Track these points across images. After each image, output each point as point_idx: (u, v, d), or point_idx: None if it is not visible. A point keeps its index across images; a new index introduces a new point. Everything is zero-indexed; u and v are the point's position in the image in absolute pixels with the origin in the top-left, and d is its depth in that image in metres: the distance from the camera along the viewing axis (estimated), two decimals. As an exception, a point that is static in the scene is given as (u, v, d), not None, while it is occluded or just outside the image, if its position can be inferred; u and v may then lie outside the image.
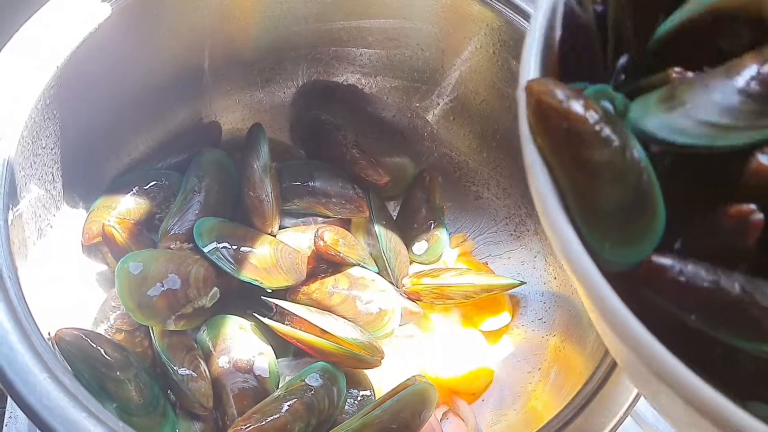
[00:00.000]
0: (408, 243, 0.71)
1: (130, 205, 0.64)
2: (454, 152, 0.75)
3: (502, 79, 0.65)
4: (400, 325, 0.64)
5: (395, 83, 0.73)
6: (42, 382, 0.41)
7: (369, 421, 0.53)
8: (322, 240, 0.62)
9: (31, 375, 0.41)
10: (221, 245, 0.60)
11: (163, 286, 0.57)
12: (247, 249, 0.61)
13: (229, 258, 0.60)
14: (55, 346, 0.51)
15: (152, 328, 0.57)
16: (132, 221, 0.62)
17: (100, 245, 0.62)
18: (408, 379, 0.57)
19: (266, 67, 0.71)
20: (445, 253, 0.72)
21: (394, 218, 0.74)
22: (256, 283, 0.60)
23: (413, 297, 0.66)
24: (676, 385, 0.24)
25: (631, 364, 0.28)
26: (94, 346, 0.53)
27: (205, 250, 0.59)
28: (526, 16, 0.60)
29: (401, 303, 0.65)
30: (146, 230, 0.63)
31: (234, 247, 0.61)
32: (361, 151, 0.71)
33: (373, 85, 0.74)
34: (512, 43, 0.61)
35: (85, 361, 0.51)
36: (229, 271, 0.59)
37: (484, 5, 0.61)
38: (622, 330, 0.25)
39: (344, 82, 0.74)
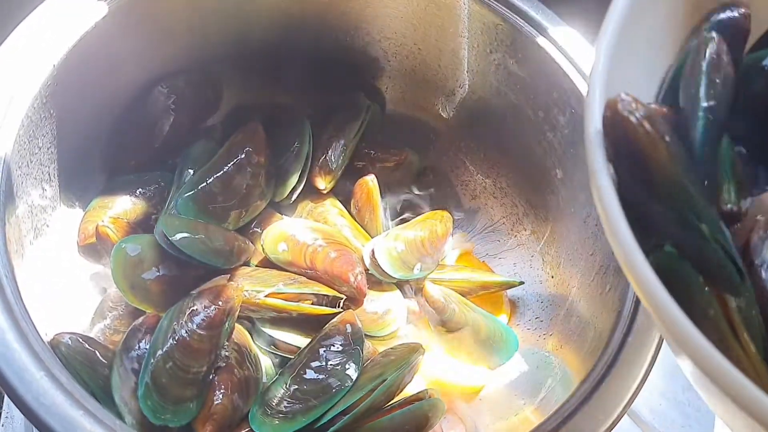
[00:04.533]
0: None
1: (126, 206, 0.63)
2: (450, 150, 0.75)
3: (499, 78, 0.65)
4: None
5: (392, 82, 0.73)
6: (39, 381, 0.41)
7: (374, 427, 0.53)
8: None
9: (28, 373, 0.41)
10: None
11: (158, 271, 0.57)
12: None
13: None
14: (53, 349, 0.50)
15: None
16: (127, 221, 0.62)
17: (96, 245, 0.62)
18: (420, 392, 0.57)
19: (267, 65, 0.71)
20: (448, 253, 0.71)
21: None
22: None
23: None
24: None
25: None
26: (92, 349, 0.53)
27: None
28: (523, 16, 0.60)
29: (406, 303, 0.65)
30: (142, 230, 0.63)
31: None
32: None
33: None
34: (509, 42, 0.61)
35: (84, 364, 0.51)
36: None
37: (482, 5, 0.61)
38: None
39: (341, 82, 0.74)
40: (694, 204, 0.28)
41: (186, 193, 0.61)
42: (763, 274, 0.30)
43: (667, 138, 0.28)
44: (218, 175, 0.63)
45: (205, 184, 0.62)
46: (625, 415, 0.48)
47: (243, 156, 0.64)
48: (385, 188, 0.70)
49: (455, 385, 0.62)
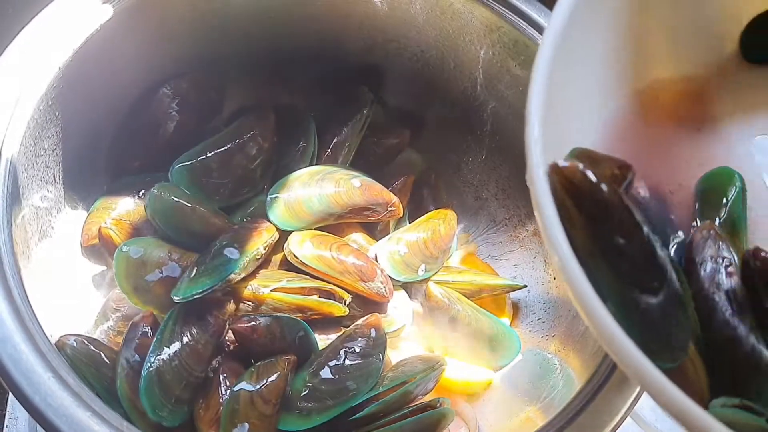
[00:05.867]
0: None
1: (129, 207, 0.63)
2: (452, 152, 0.75)
3: (501, 80, 0.65)
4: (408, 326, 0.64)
5: (394, 84, 0.73)
6: (46, 382, 0.41)
7: None
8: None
9: (36, 374, 0.41)
10: None
11: (161, 273, 0.57)
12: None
13: None
14: (58, 351, 0.51)
15: None
16: (129, 223, 0.62)
17: (99, 246, 0.62)
18: (432, 400, 0.57)
19: (270, 66, 0.71)
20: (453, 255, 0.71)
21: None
22: None
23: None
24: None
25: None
26: (97, 350, 0.53)
27: None
28: (525, 18, 0.60)
29: (410, 303, 0.65)
30: (144, 232, 0.63)
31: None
32: None
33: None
34: (512, 45, 0.62)
35: (89, 365, 0.51)
36: None
37: (484, 6, 0.61)
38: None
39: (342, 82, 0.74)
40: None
41: (183, 163, 0.62)
42: (701, 272, 0.31)
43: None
44: (219, 151, 0.63)
45: (204, 157, 0.63)
46: (628, 417, 0.49)
47: (248, 137, 0.65)
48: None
49: (461, 382, 0.63)
